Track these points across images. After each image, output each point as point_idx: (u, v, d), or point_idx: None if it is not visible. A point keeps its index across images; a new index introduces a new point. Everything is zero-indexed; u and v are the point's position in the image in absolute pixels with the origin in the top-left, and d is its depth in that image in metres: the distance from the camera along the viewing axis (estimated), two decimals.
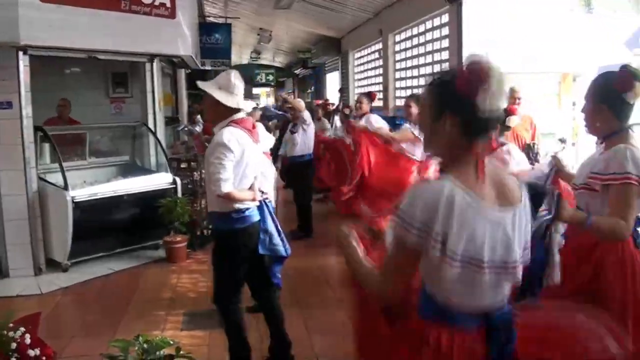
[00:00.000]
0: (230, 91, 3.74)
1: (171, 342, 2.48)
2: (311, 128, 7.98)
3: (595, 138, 2.94)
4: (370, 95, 7.96)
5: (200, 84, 3.86)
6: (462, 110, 1.80)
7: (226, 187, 3.57)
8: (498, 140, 4.21)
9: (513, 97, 6.57)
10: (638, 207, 2.69)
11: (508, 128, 4.33)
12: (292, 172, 8.18)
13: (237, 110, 3.78)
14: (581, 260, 2.83)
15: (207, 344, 4.50)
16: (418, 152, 6.06)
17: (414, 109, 7.09)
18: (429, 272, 1.84)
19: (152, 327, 4.72)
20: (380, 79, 11.52)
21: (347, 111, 9.66)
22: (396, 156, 6.32)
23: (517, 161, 4.07)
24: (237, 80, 3.77)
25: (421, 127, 2.04)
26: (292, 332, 4.17)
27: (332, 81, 19.09)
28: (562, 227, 2.81)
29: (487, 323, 1.85)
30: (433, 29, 8.24)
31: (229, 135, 3.63)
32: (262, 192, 3.92)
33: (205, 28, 13.54)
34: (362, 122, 7.27)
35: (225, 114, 3.75)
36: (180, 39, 8.07)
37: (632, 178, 2.59)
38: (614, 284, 2.72)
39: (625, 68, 2.74)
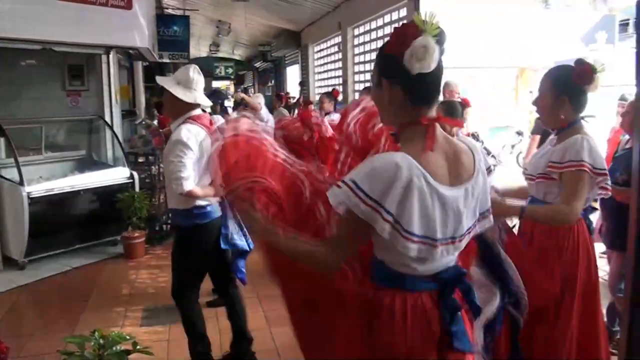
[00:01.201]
0: (188, 86, 3.71)
1: (127, 337, 2.46)
2: (271, 123, 7.94)
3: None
4: (332, 94, 7.95)
5: (159, 79, 3.83)
6: (392, 73, 1.79)
7: (187, 185, 3.55)
8: (457, 132, 4.30)
9: (450, 91, 6.64)
10: (591, 195, 2.84)
11: (465, 120, 4.40)
12: None
13: (196, 105, 3.75)
14: (544, 255, 2.93)
15: (166, 339, 4.48)
16: None
17: (326, 104, 7.55)
18: (383, 245, 1.83)
19: (112, 324, 4.68)
20: (340, 73, 11.55)
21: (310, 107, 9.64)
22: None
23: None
24: (195, 75, 3.75)
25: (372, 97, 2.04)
26: (253, 325, 4.19)
27: (292, 74, 19.08)
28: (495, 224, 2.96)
29: (438, 283, 1.88)
30: (391, 22, 8.29)
31: (187, 132, 3.61)
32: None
33: (162, 20, 13.36)
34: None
35: (183, 109, 3.73)
36: (137, 30, 7.97)
37: (585, 165, 2.71)
38: (572, 267, 2.87)
39: (582, 62, 2.85)
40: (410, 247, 1.74)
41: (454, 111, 4.33)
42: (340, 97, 8.40)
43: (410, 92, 1.80)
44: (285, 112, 10.39)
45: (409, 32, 1.74)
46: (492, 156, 10.18)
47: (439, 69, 1.78)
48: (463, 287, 1.94)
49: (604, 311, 4.14)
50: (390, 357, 1.85)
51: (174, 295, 3.87)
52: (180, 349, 4.07)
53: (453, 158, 1.84)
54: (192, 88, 3.73)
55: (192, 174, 3.60)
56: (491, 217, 1.98)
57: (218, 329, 4.40)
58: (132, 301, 5.36)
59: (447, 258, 1.88)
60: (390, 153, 1.80)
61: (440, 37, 1.75)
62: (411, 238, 1.73)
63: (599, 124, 4.55)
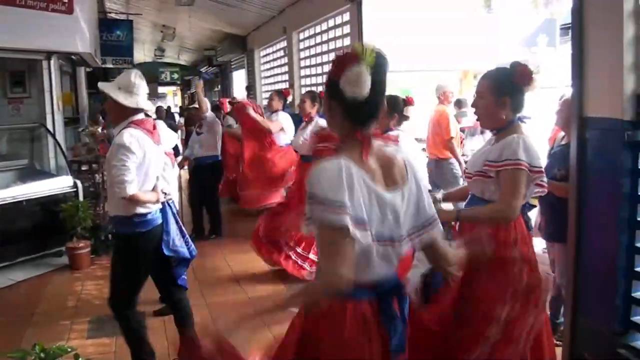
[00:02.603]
0: (130, 91, 3.67)
1: (69, 350, 2.43)
2: (217, 128, 7.91)
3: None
4: (282, 93, 7.98)
5: (101, 84, 3.79)
6: (335, 95, 1.90)
7: (131, 189, 3.51)
8: (394, 128, 4.38)
9: (444, 92, 6.94)
10: (528, 193, 2.93)
11: (407, 117, 4.47)
12: (199, 173, 8.08)
13: (138, 110, 3.72)
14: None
15: (113, 350, 4.42)
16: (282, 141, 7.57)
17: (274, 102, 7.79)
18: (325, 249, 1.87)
19: (57, 338, 4.58)
20: (286, 77, 11.56)
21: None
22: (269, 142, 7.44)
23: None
24: (137, 80, 3.71)
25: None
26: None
27: (239, 79, 19.00)
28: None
29: (378, 293, 1.94)
30: (335, 27, 8.35)
31: (129, 137, 3.57)
32: (165, 194, 3.88)
33: (105, 24, 13.18)
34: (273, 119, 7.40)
35: (125, 114, 3.69)
36: (78, 35, 7.85)
37: (522, 164, 2.81)
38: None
39: (520, 63, 2.98)
40: (368, 235, 1.82)
41: (395, 105, 4.40)
42: (290, 98, 8.41)
43: (348, 112, 1.93)
44: (232, 119, 10.31)
45: (347, 60, 1.86)
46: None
47: (376, 94, 1.89)
48: (400, 298, 2.01)
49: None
50: None
51: (113, 305, 3.83)
52: None
53: (387, 165, 1.95)
54: (134, 92, 3.69)
55: (136, 179, 3.57)
56: (439, 224, 2.07)
57: (166, 338, 4.35)
58: (78, 313, 5.26)
59: (386, 265, 1.94)
60: (328, 160, 1.87)
61: (378, 66, 1.87)
62: (368, 225, 1.82)
63: (542, 124, 4.71)
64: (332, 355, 1.88)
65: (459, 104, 10.32)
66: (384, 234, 1.88)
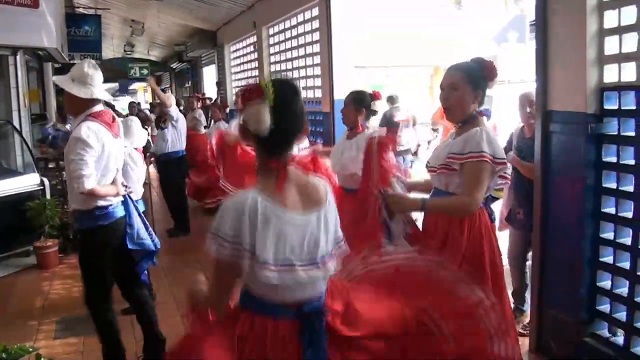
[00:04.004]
0: (84, 82, 3.61)
1: (30, 350, 2.40)
2: (181, 123, 7.84)
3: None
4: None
5: (55, 78, 3.76)
6: (245, 125, 1.95)
7: (89, 184, 3.47)
8: (364, 123, 4.42)
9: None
10: (492, 185, 2.99)
11: (375, 112, 4.49)
12: (164, 169, 8.02)
13: (94, 101, 3.66)
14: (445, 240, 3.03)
15: (80, 350, 4.37)
16: None
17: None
18: (249, 275, 1.92)
19: (24, 339, 4.50)
20: (256, 72, 11.51)
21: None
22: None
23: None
24: (91, 70, 3.64)
25: None
26: (168, 329, 4.12)
27: (209, 75, 18.86)
28: (399, 219, 3.16)
29: (301, 314, 1.97)
30: (304, 22, 8.33)
31: (87, 130, 3.52)
32: (126, 187, 3.85)
33: (73, 19, 12.97)
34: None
35: (82, 106, 3.64)
36: (44, 30, 7.72)
37: (485, 156, 2.85)
38: (477, 254, 2.98)
39: (483, 59, 3.02)
40: (270, 276, 1.86)
41: (362, 100, 4.41)
42: None
43: (261, 142, 1.97)
44: (202, 117, 10.26)
45: (248, 95, 1.91)
46: (410, 152, 10.44)
47: (284, 126, 1.93)
48: (319, 324, 2.01)
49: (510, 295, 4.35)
50: None
51: (87, 302, 3.79)
52: None
53: (304, 189, 2.01)
54: (88, 83, 3.63)
55: (94, 173, 3.53)
56: (344, 245, 2.13)
57: (134, 337, 4.32)
58: (46, 314, 5.20)
59: (312, 287, 1.99)
60: (239, 194, 1.94)
61: (282, 101, 1.91)
62: (268, 267, 1.86)
63: (511, 117, 4.80)
64: None
65: (391, 100, 10.68)
66: (303, 258, 1.93)
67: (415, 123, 10.99)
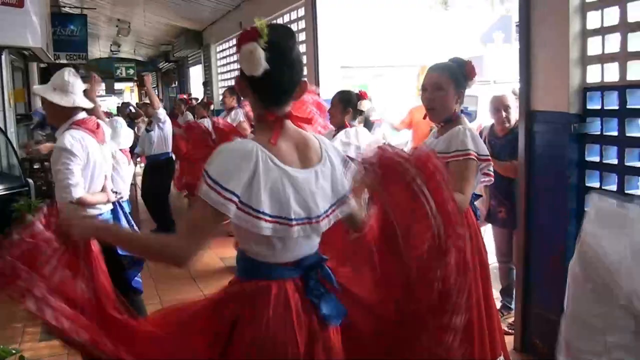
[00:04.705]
0: (65, 90, 3.58)
1: (13, 352, 2.38)
2: (167, 125, 7.80)
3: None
4: (233, 89, 7.86)
5: (35, 88, 3.75)
6: (242, 74, 1.91)
7: (77, 192, 3.43)
8: (351, 123, 4.43)
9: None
10: (476, 182, 3.02)
11: (361, 112, 4.49)
12: (150, 171, 7.99)
13: (76, 109, 3.64)
14: None
15: (66, 352, 4.32)
16: None
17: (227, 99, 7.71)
18: (242, 232, 1.89)
19: (10, 341, 4.46)
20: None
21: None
22: None
23: (357, 145, 4.30)
24: (71, 78, 3.61)
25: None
26: None
27: (196, 75, 18.80)
28: None
29: (301, 270, 1.95)
30: (290, 22, 8.32)
31: (71, 139, 3.48)
32: (116, 193, 3.83)
33: (58, 18, 12.88)
34: (228, 119, 7.29)
35: (64, 115, 3.61)
36: (29, 29, 7.66)
37: (471, 154, 2.89)
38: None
39: (464, 60, 3.06)
40: (264, 226, 1.81)
41: (349, 100, 4.43)
42: None
43: (256, 92, 1.93)
44: (190, 116, 10.24)
45: (243, 37, 1.86)
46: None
47: (279, 72, 1.87)
48: (323, 273, 2.01)
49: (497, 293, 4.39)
50: (255, 351, 1.86)
51: None
52: None
53: (302, 145, 1.96)
54: (69, 91, 3.60)
55: (81, 181, 3.49)
56: (351, 203, 2.06)
57: None
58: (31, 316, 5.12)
59: (307, 243, 1.97)
60: (238, 140, 1.91)
61: (276, 43, 1.85)
62: (263, 217, 1.81)
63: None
64: (257, 335, 1.85)
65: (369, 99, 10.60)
66: (300, 214, 1.88)
67: (379, 124, 11.03)
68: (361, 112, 4.52)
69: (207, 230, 1.85)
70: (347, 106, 4.41)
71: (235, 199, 1.78)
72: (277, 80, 1.89)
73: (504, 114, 4.45)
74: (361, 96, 4.48)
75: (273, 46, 1.83)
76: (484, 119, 8.02)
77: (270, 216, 1.82)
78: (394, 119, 7.55)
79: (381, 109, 8.13)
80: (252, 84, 1.90)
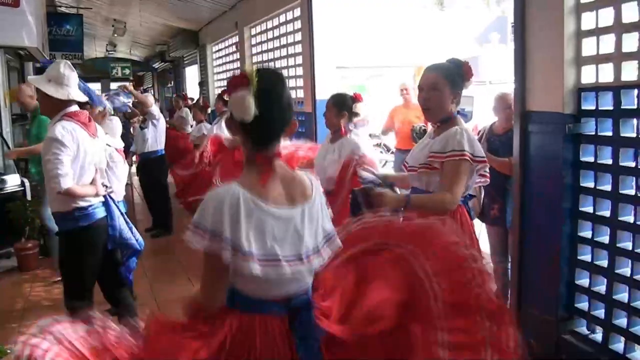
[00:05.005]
0: (60, 83, 3.62)
1: (8, 351, 2.39)
2: (161, 123, 7.84)
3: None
4: (222, 94, 7.82)
5: (31, 78, 3.77)
6: (232, 115, 1.94)
7: (66, 183, 3.45)
8: (347, 126, 4.45)
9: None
10: (471, 183, 3.04)
11: (357, 114, 4.49)
12: (144, 169, 8.01)
13: (70, 102, 3.66)
14: None
15: None
16: None
17: (218, 105, 7.69)
18: (233, 271, 1.90)
19: (4, 341, 4.45)
20: (238, 73, 11.47)
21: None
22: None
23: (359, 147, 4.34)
24: (67, 71, 3.65)
25: None
26: None
27: (192, 75, 18.78)
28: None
29: (289, 308, 1.97)
30: (286, 22, 8.32)
31: (62, 130, 3.51)
32: (106, 187, 3.83)
33: (54, 18, 12.84)
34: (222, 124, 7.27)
35: (57, 107, 3.64)
36: (25, 29, 7.66)
37: (466, 155, 2.90)
38: None
39: (461, 60, 3.08)
40: (254, 267, 1.84)
41: (343, 104, 4.43)
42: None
43: (247, 134, 1.96)
44: (189, 116, 10.27)
45: (234, 83, 1.91)
46: (392, 152, 10.46)
47: (269, 116, 1.91)
48: (309, 317, 2.02)
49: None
50: None
51: (67, 305, 3.76)
52: None
53: (289, 184, 1.99)
54: (64, 84, 3.64)
55: (70, 172, 3.51)
56: (337, 240, 2.10)
57: None
58: (26, 316, 5.14)
59: (298, 282, 1.99)
60: (219, 187, 1.94)
61: (266, 90, 1.90)
62: (252, 258, 1.84)
63: (492, 118, 4.87)
64: None
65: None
66: (288, 253, 1.92)
67: (363, 124, 11.02)
68: (356, 115, 4.51)
69: (218, 276, 1.92)
70: (341, 109, 4.41)
71: (228, 243, 1.82)
72: (267, 124, 1.93)
73: (508, 110, 4.46)
74: (356, 99, 4.47)
75: (263, 93, 1.88)
76: (480, 120, 8.04)
77: (259, 256, 1.86)
78: (377, 127, 7.56)
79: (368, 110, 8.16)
80: (242, 126, 1.93)
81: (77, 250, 3.70)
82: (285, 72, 8.58)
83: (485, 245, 5.56)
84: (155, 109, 7.74)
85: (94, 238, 3.71)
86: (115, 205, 3.89)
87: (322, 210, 2.07)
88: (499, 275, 4.58)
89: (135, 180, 8.94)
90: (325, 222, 2.07)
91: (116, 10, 14.48)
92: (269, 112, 1.89)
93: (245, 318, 1.93)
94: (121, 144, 5.38)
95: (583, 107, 3.53)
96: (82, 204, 3.64)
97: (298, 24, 7.83)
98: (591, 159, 3.53)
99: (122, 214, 3.93)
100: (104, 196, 3.79)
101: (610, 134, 3.40)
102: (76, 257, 3.70)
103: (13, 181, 6.83)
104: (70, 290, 3.77)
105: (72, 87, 3.67)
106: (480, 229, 5.22)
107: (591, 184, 3.54)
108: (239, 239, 1.83)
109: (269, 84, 1.91)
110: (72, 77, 3.69)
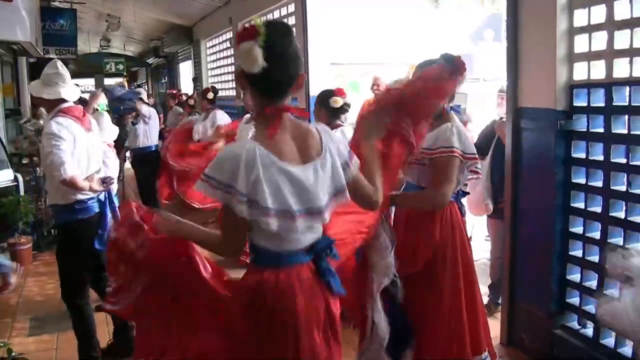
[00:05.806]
0: (52, 84, 3.71)
1: (1, 345, 2.40)
2: (153, 120, 7.96)
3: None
4: (205, 92, 7.82)
5: (31, 88, 3.94)
6: (242, 70, 1.95)
7: (69, 171, 3.50)
8: (331, 121, 4.39)
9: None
10: (462, 179, 3.06)
11: (334, 110, 4.42)
12: (137, 164, 8.06)
13: (63, 100, 3.73)
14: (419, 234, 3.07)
15: (54, 347, 4.35)
16: None
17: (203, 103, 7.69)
18: (256, 229, 1.96)
19: None
20: (232, 69, 11.46)
21: (191, 102, 9.42)
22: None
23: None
24: (56, 70, 3.74)
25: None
26: None
27: (186, 70, 18.73)
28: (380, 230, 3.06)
29: (313, 254, 2.06)
30: (280, 18, 8.31)
31: (57, 125, 3.58)
32: (104, 182, 3.84)
33: (48, 13, 12.76)
34: (207, 122, 7.26)
35: (53, 104, 3.73)
36: (18, 23, 7.61)
37: (456, 151, 2.92)
38: (446, 245, 3.04)
39: (452, 56, 3.06)
40: (270, 222, 1.88)
41: (323, 99, 4.43)
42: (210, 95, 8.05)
43: (255, 87, 1.98)
44: (180, 110, 10.24)
45: (241, 35, 1.91)
46: None
47: (278, 68, 1.92)
48: (332, 254, 2.13)
49: (485, 288, 4.42)
50: (281, 335, 1.98)
51: (65, 298, 3.79)
52: (69, 356, 3.99)
53: (301, 140, 2.01)
54: (55, 83, 3.72)
55: (72, 161, 3.56)
56: (347, 194, 2.10)
57: (107, 332, 4.30)
58: (20, 311, 5.16)
59: (312, 231, 2.05)
60: (235, 142, 2.02)
61: (273, 41, 1.90)
62: (268, 213, 1.88)
63: (485, 114, 4.88)
64: (284, 323, 1.98)
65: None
66: (301, 208, 1.95)
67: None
68: (334, 110, 4.45)
69: (234, 226, 1.97)
70: (321, 105, 4.43)
71: (244, 198, 1.85)
72: (274, 76, 1.94)
73: None
74: (335, 94, 4.44)
75: (270, 44, 1.88)
76: (472, 117, 8.05)
77: (274, 210, 1.89)
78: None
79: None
80: (250, 80, 1.95)
81: (74, 242, 3.75)
82: None
83: (483, 243, 5.62)
84: (145, 108, 7.84)
85: (90, 230, 3.74)
86: (111, 203, 3.90)
87: (336, 161, 2.07)
88: (495, 271, 4.60)
89: (128, 175, 8.92)
90: (337, 175, 2.07)
91: (110, 6, 14.43)
92: (276, 63, 1.90)
93: (282, 273, 1.99)
94: (111, 138, 5.40)
95: (575, 104, 3.56)
96: (81, 197, 3.69)
97: (292, 20, 7.81)
98: (583, 155, 3.55)
99: (114, 210, 3.93)
100: (102, 192, 3.81)
101: (601, 130, 3.42)
102: (74, 249, 3.76)
103: (6, 176, 6.80)
104: (66, 282, 3.80)
105: (62, 86, 3.75)
106: (473, 225, 5.26)
107: (583, 180, 3.56)
108: (256, 195, 1.86)
109: (276, 35, 1.92)
110: (63, 75, 3.78)
